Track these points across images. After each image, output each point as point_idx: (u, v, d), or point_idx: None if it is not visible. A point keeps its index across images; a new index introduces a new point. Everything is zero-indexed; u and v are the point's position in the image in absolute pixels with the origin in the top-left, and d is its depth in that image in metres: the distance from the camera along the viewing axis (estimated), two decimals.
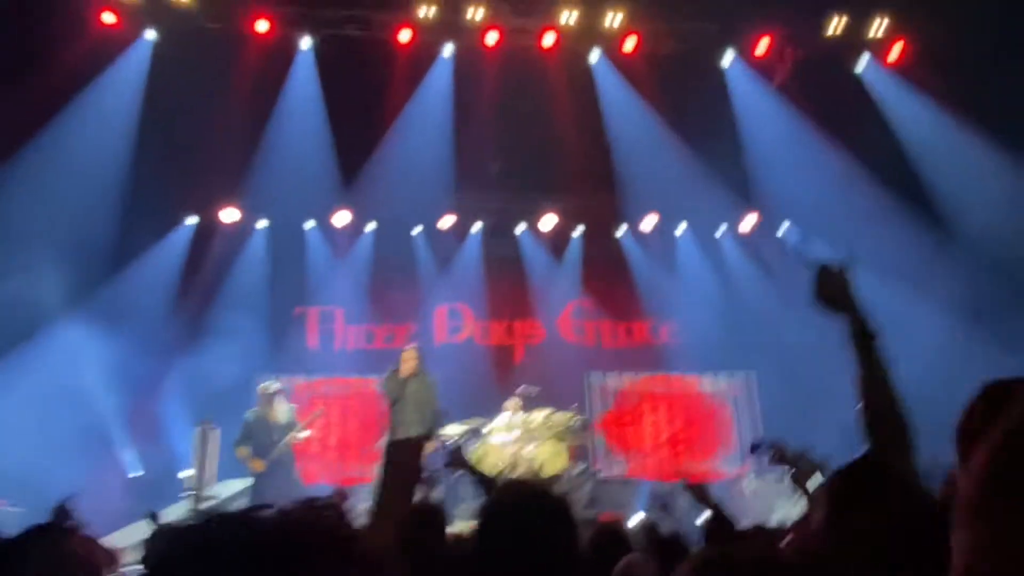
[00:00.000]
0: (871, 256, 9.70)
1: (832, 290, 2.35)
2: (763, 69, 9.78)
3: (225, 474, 7.92)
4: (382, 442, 7.73)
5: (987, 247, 8.47)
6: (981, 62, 8.28)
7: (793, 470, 3.60)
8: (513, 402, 8.72)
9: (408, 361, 7.71)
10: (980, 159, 8.78)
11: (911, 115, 9.46)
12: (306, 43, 9.30)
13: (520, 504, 1.64)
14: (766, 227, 11.25)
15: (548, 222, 11.10)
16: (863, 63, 9.67)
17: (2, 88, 7.96)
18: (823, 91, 9.45)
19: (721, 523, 3.43)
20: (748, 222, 11.26)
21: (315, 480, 9.08)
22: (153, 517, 4.80)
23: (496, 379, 10.14)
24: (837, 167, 9.55)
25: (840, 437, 8.88)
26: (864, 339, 2.02)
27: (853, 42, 9.49)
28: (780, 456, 3.77)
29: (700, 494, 3.64)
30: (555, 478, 8.44)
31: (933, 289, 9.04)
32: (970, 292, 8.63)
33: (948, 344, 8.43)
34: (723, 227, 11.47)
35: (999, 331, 8.09)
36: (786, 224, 11.05)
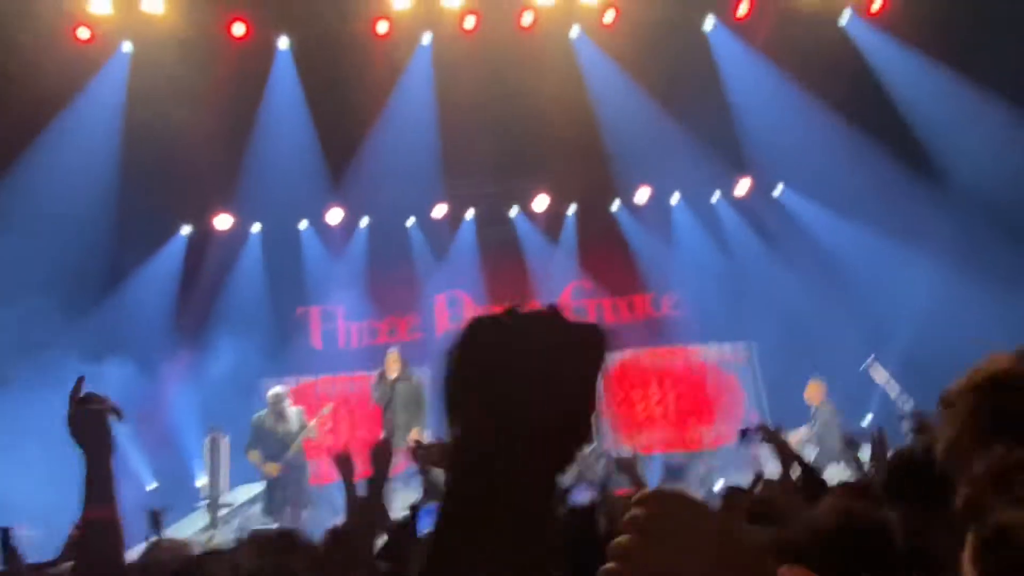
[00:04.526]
0: (859, 208, 9.70)
1: None
2: (745, 30, 9.68)
3: (238, 479, 7.95)
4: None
5: (979, 191, 8.42)
6: (958, 6, 8.22)
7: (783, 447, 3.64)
8: None
9: (391, 364, 7.83)
10: (968, 104, 8.71)
11: (896, 65, 9.38)
12: (284, 43, 9.22)
13: None
14: (761, 191, 11.20)
15: (541, 203, 11.06)
16: (846, 16, 9.57)
17: None
18: (807, 47, 9.36)
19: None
20: (742, 187, 11.21)
21: (328, 479, 9.10)
22: (155, 518, 4.72)
23: None
24: (825, 123, 9.48)
25: (839, 401, 8.95)
26: None
27: None
28: (769, 435, 3.80)
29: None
30: None
31: (927, 237, 9.01)
32: (964, 237, 8.59)
33: (945, 290, 8.42)
34: (717, 194, 11.42)
35: (995, 272, 8.05)
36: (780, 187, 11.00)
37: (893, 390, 7.80)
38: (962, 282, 8.32)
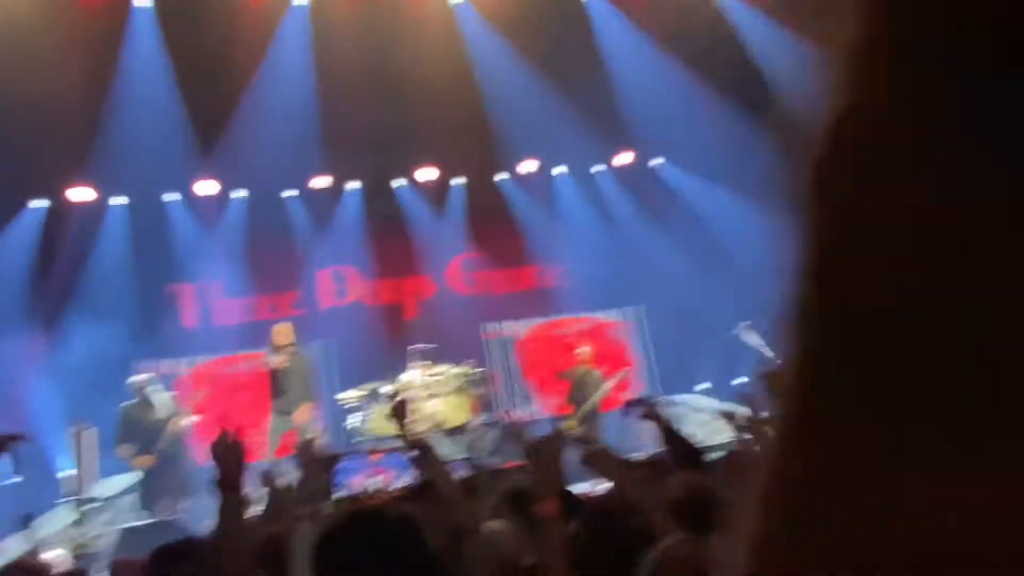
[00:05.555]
0: (735, 179, 10.08)
1: None
2: (623, 2, 9.79)
3: (108, 471, 7.46)
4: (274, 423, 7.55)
5: None
6: None
7: (663, 426, 3.72)
8: (422, 363, 8.72)
9: (282, 336, 7.61)
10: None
11: (767, 40, 9.71)
12: (144, 0, 8.56)
13: (356, 533, 1.53)
14: (642, 161, 11.42)
15: (426, 175, 10.86)
16: None
17: None
18: (683, 19, 9.57)
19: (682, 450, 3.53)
20: (624, 158, 11.39)
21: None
22: (27, 520, 4.42)
23: (389, 339, 9.96)
24: (701, 95, 9.74)
25: (723, 360, 9.31)
26: None
27: None
28: (648, 412, 3.89)
29: (657, 421, 3.76)
30: (458, 430, 8.46)
31: (796, 210, 9.40)
32: None
33: None
34: (600, 166, 11.56)
35: None
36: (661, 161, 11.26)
37: (765, 353, 8.16)
38: None
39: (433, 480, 2.19)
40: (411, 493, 2.37)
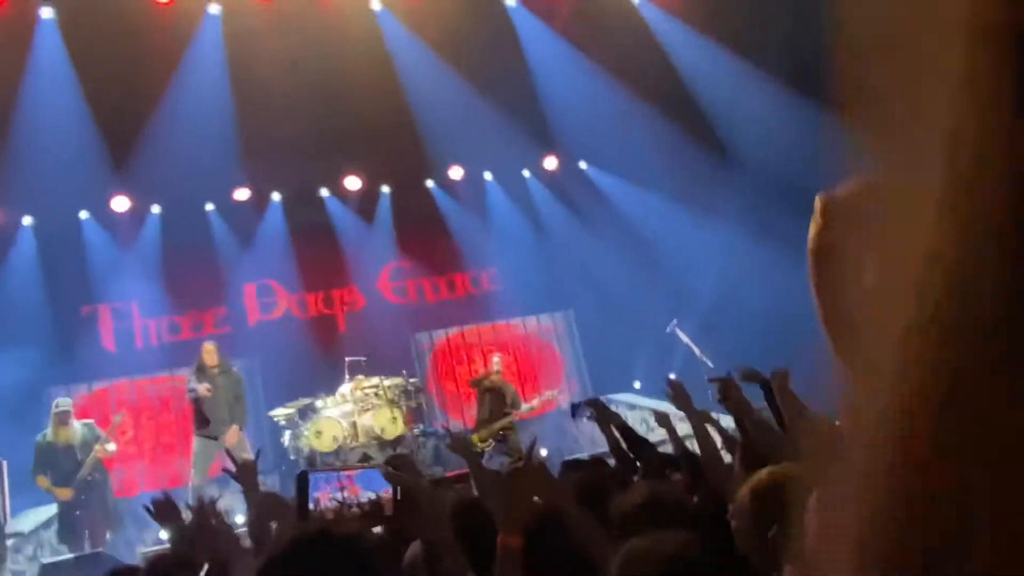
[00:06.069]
0: (658, 181, 10.28)
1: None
2: (546, 8, 9.86)
3: (26, 504, 7.08)
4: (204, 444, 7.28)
5: (760, 165, 9.13)
6: None
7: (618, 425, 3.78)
8: (357, 379, 8.60)
9: (208, 356, 7.36)
10: (746, 84, 9.39)
11: (685, 46, 9.93)
12: (47, 11, 8.17)
13: (307, 554, 1.49)
14: (567, 167, 11.53)
15: (353, 184, 10.72)
16: None
17: None
18: (605, 26, 9.70)
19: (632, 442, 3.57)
20: (550, 164, 11.49)
21: (136, 490, 8.36)
22: None
23: (321, 352, 9.78)
24: (624, 101, 9.89)
25: (654, 358, 9.44)
26: None
27: None
28: (599, 413, 3.94)
29: (604, 415, 3.81)
30: (397, 441, 8.35)
31: (719, 208, 9.68)
32: (750, 208, 9.31)
33: (736, 258, 9.14)
34: (527, 171, 11.62)
35: (780, 241, 8.79)
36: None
37: (695, 351, 8.35)
38: (751, 250, 9.03)
39: (410, 497, 2.12)
40: (381, 510, 2.30)
